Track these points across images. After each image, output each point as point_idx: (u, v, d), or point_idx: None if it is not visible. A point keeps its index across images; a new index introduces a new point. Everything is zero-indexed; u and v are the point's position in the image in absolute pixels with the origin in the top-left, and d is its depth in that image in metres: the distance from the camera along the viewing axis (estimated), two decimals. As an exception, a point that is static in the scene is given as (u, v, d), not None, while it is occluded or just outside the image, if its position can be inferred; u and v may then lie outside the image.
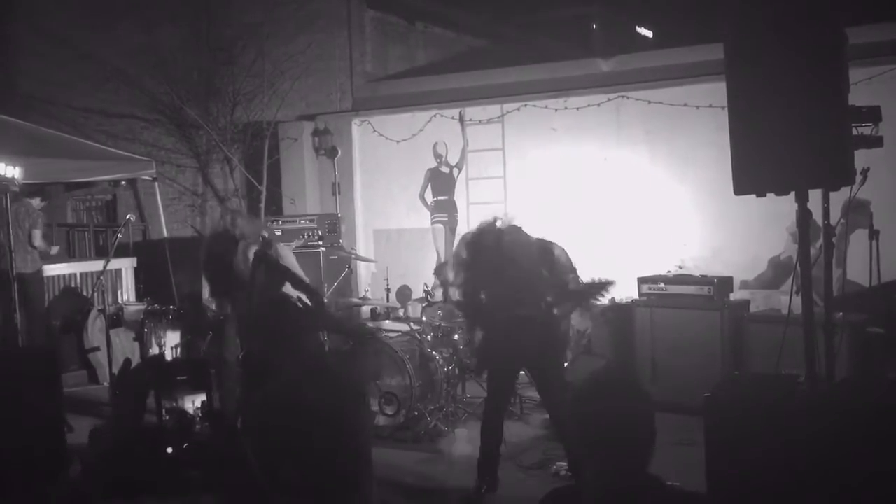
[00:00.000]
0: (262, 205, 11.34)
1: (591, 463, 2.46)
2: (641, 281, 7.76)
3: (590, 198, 9.53)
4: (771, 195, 4.08)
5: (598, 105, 9.62)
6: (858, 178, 4.28)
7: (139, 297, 10.01)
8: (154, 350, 7.98)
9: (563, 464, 5.64)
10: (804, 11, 3.94)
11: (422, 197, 10.67)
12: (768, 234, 8.20)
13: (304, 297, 5.37)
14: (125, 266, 10.16)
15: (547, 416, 6.16)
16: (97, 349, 8.86)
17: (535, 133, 10.06)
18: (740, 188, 4.08)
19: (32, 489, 5.58)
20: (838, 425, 3.70)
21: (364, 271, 11.09)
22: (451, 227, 10.42)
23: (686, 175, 9.14)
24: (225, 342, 6.09)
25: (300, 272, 5.76)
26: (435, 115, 10.66)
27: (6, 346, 7.87)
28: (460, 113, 10.48)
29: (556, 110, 9.88)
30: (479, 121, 10.44)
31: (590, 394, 2.48)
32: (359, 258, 9.58)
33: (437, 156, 10.52)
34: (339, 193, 10.91)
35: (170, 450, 5.89)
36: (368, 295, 9.34)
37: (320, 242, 8.51)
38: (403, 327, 7.76)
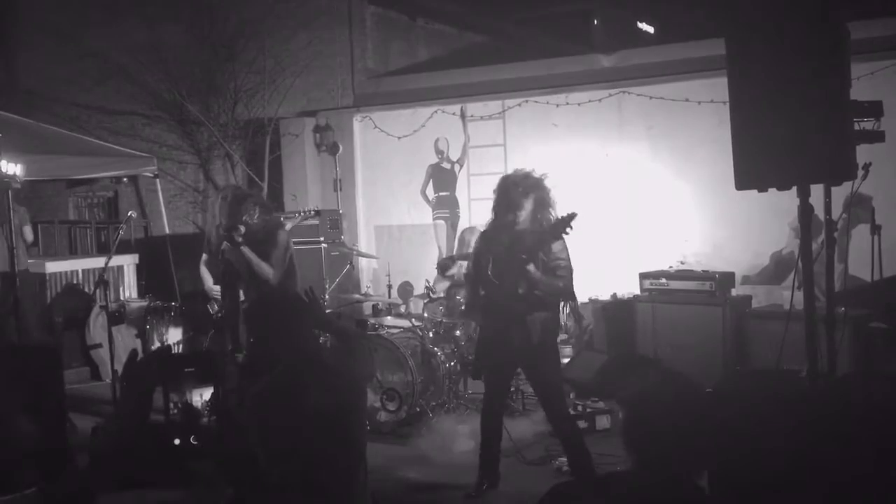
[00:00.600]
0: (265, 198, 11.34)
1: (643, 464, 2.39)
2: (643, 276, 7.76)
3: (591, 194, 9.52)
4: (772, 190, 4.08)
5: (600, 101, 9.62)
6: (860, 173, 4.28)
7: (141, 294, 10.02)
8: (156, 346, 8.00)
9: (565, 459, 5.64)
10: (806, 6, 3.93)
11: (423, 193, 10.67)
12: (770, 230, 8.20)
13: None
14: (127, 263, 10.17)
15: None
16: (99, 346, 8.87)
17: (537, 129, 10.05)
18: (742, 183, 4.08)
19: (35, 485, 5.59)
20: (841, 421, 3.70)
21: (365, 267, 11.09)
22: (452, 224, 10.43)
23: (687, 170, 9.13)
24: (226, 335, 6.08)
25: (275, 260, 5.75)
26: (436, 112, 10.65)
27: (9, 343, 7.89)
28: (461, 109, 10.48)
29: (557, 106, 9.88)
30: (481, 117, 10.44)
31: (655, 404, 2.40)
32: (360, 254, 9.58)
33: (439, 152, 10.52)
34: (341, 190, 10.91)
35: (177, 441, 5.91)
36: (370, 291, 9.33)
37: (322, 238, 8.53)
38: (405, 323, 7.76)
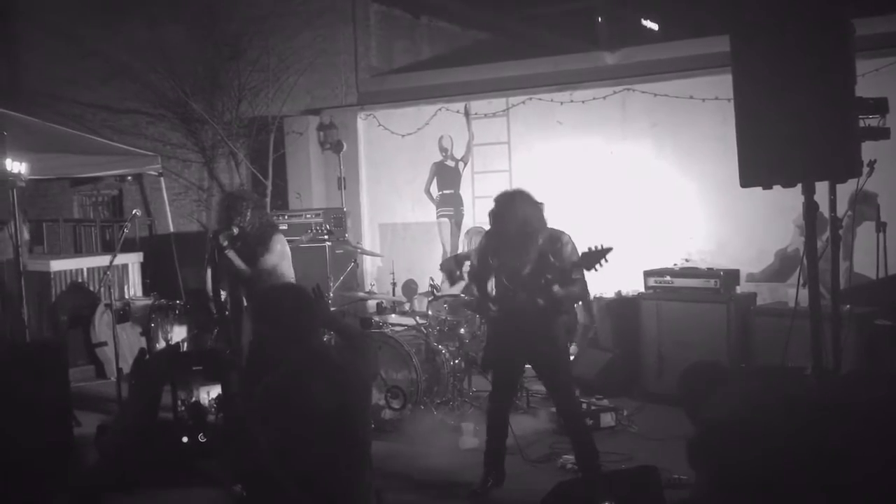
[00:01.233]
0: (268, 199, 11.35)
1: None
2: (647, 274, 7.75)
3: (595, 191, 9.52)
4: (777, 188, 4.07)
5: (604, 98, 9.61)
6: (865, 170, 4.27)
7: (146, 292, 10.03)
8: (161, 344, 8.01)
9: (570, 457, 5.64)
10: (811, 2, 3.92)
11: (427, 191, 10.67)
12: (774, 227, 8.18)
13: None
14: (132, 261, 10.18)
15: (553, 409, 6.16)
16: (104, 344, 8.88)
17: (541, 126, 10.04)
18: (746, 181, 4.08)
19: (41, 482, 5.60)
20: (845, 419, 3.69)
21: (370, 265, 11.09)
22: (456, 221, 10.43)
23: (692, 168, 9.12)
24: (231, 333, 6.09)
25: (268, 262, 5.74)
26: (440, 109, 10.65)
27: (15, 340, 7.91)
28: (465, 107, 10.47)
29: (561, 103, 9.87)
30: (485, 114, 10.43)
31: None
32: (364, 252, 9.59)
33: (443, 150, 10.52)
34: (345, 188, 10.91)
35: (185, 440, 5.92)
36: (374, 289, 9.33)
37: (326, 237, 8.52)
38: (409, 321, 7.76)
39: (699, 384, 5.33)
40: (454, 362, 7.10)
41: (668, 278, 7.60)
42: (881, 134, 4.07)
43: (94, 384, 8.73)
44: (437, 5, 13.19)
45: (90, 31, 13.01)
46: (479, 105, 10.46)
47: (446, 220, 10.50)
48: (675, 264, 7.98)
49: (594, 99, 9.64)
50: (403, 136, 10.91)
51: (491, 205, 5.32)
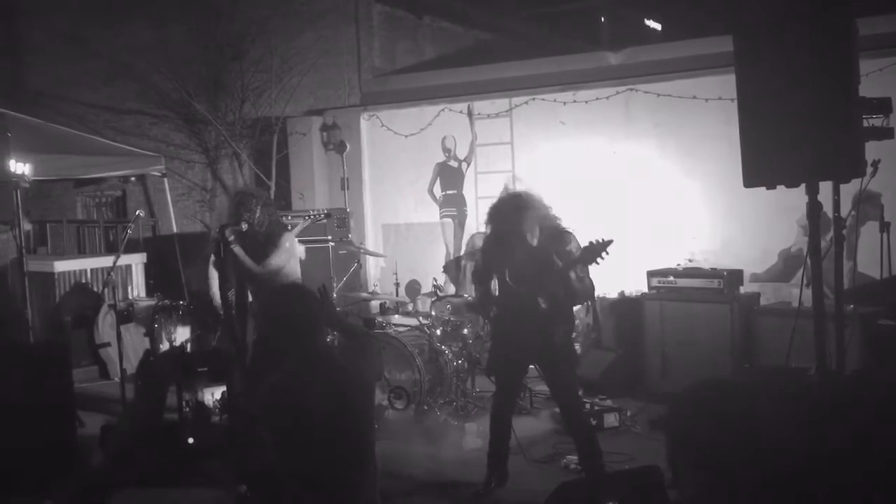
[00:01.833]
0: (272, 199, 11.36)
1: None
2: (651, 274, 7.74)
3: (598, 191, 9.51)
4: (781, 187, 4.07)
5: (607, 98, 9.60)
6: (869, 170, 4.26)
7: (149, 293, 10.04)
8: (165, 345, 8.01)
9: (573, 458, 5.64)
10: (814, 2, 3.92)
11: (430, 191, 10.67)
12: (778, 227, 8.17)
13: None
14: (135, 262, 10.19)
15: (557, 409, 6.16)
16: (108, 345, 8.89)
17: (544, 127, 10.03)
18: (750, 181, 4.07)
19: (44, 482, 5.61)
20: (849, 418, 3.69)
21: (373, 266, 11.10)
22: (459, 222, 10.43)
23: (695, 168, 9.11)
24: (236, 332, 6.08)
25: (276, 261, 5.73)
26: (443, 110, 10.64)
27: (19, 341, 7.92)
28: (468, 107, 10.47)
29: (564, 104, 9.86)
30: (488, 115, 10.43)
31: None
32: (368, 253, 9.59)
33: (446, 150, 10.52)
34: (348, 188, 10.92)
35: (191, 440, 5.93)
36: (377, 289, 9.33)
37: (329, 237, 8.53)
38: (413, 322, 7.77)
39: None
40: (457, 363, 7.10)
41: (671, 278, 7.59)
42: (885, 134, 4.07)
43: (98, 385, 8.73)
44: (440, 5, 13.19)
45: (93, 32, 13.03)
46: (482, 105, 10.46)
47: (449, 220, 10.50)
48: (678, 264, 7.97)
49: (597, 99, 9.63)
50: (406, 136, 10.91)
51: (488, 212, 5.32)
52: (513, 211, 5.17)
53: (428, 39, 13.38)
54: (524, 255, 5.15)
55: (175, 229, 10.98)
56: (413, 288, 10.10)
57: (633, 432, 6.58)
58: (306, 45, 11.77)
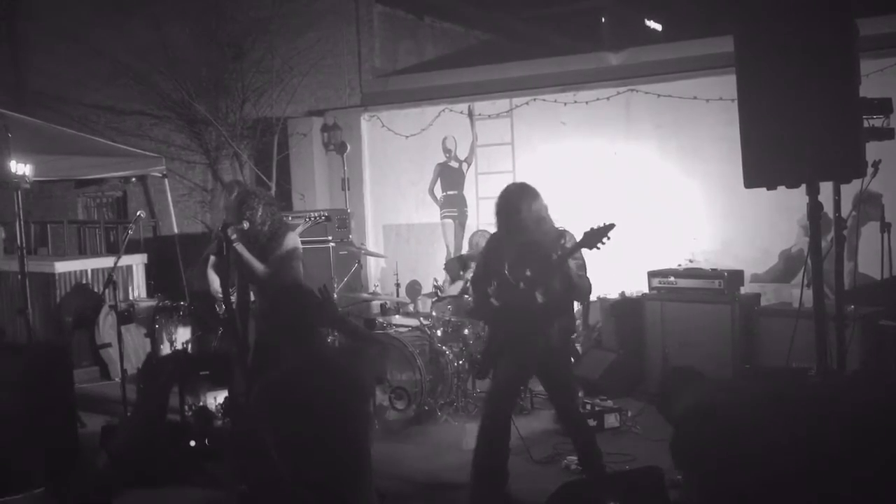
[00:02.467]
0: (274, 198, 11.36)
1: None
2: (652, 275, 7.74)
3: (599, 192, 9.51)
4: (781, 188, 4.07)
5: (608, 99, 9.60)
6: (870, 170, 4.26)
7: (150, 294, 10.04)
8: (165, 346, 8.01)
9: (574, 458, 5.63)
10: (815, 3, 3.92)
11: (431, 192, 10.68)
12: (779, 227, 8.17)
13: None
14: (136, 262, 10.20)
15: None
16: (109, 345, 8.89)
17: (545, 127, 10.04)
18: (751, 181, 4.07)
19: (46, 483, 5.62)
20: (849, 419, 3.69)
21: (374, 266, 11.10)
22: (460, 222, 10.43)
23: (696, 168, 9.11)
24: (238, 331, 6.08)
25: (272, 262, 5.71)
26: (444, 110, 10.65)
27: (20, 342, 7.93)
28: (469, 107, 10.47)
29: (565, 104, 9.86)
30: (489, 115, 10.43)
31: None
32: (368, 253, 9.59)
33: (447, 150, 10.52)
34: (349, 189, 10.93)
35: (193, 443, 5.93)
36: (378, 290, 9.34)
37: (330, 237, 8.52)
38: (413, 322, 7.77)
39: (675, 384, 5.29)
40: (458, 363, 7.10)
41: (672, 279, 7.59)
42: (885, 134, 4.07)
43: (99, 385, 8.74)
44: (440, 6, 13.20)
45: (95, 33, 13.03)
46: (482, 106, 10.46)
47: (450, 220, 10.51)
48: (679, 265, 7.97)
49: (598, 100, 9.64)
50: (407, 137, 10.92)
51: (497, 199, 5.30)
52: (517, 194, 5.18)
53: (429, 40, 13.39)
54: (525, 250, 5.15)
55: (176, 230, 10.98)
56: (414, 288, 10.11)
57: (634, 433, 6.58)
58: (307, 45, 11.78)
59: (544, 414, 6.98)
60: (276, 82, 11.81)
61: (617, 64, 10.07)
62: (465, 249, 8.95)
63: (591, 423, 6.30)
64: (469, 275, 7.51)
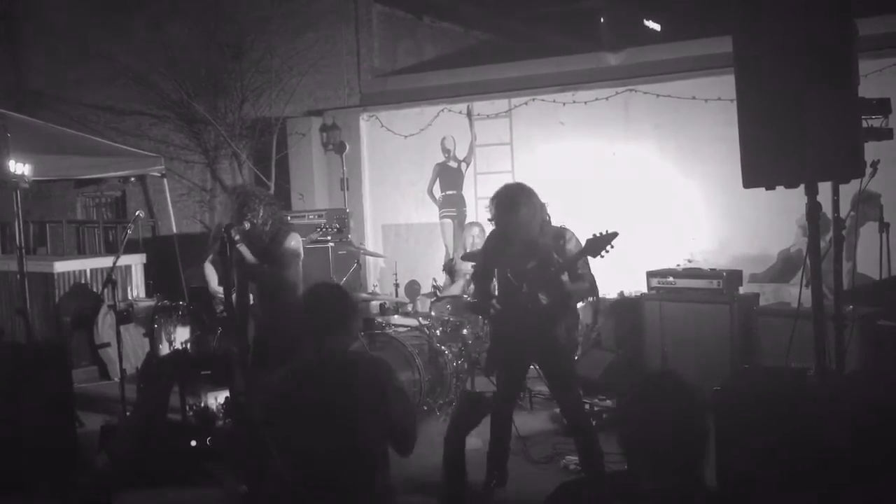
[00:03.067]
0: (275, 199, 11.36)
1: (642, 464, 2.39)
2: (650, 275, 7.74)
3: (598, 192, 9.52)
4: (780, 188, 4.07)
5: (607, 99, 9.61)
6: (868, 170, 4.26)
7: (149, 294, 10.04)
8: (164, 345, 8.01)
9: (573, 458, 5.64)
10: (813, 3, 3.92)
11: (430, 192, 10.67)
12: (777, 227, 8.18)
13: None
14: (135, 262, 10.19)
15: (557, 410, 6.16)
16: (107, 345, 8.88)
17: (543, 127, 10.04)
18: (749, 181, 4.07)
19: (44, 483, 5.62)
20: (848, 419, 3.70)
21: (373, 266, 11.10)
22: (459, 222, 10.43)
23: (695, 168, 9.12)
24: (235, 334, 6.08)
25: (280, 261, 5.70)
26: (443, 110, 10.65)
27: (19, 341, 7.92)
28: (468, 107, 10.48)
29: (563, 104, 9.87)
30: (487, 115, 10.44)
31: (641, 396, 2.41)
32: (367, 253, 9.59)
33: (445, 150, 10.53)
34: (348, 189, 10.93)
35: (193, 443, 5.93)
36: (377, 290, 9.33)
37: (329, 238, 8.51)
38: (412, 322, 7.77)
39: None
40: (457, 363, 7.10)
41: (670, 279, 7.59)
42: (884, 134, 4.06)
43: (98, 385, 8.73)
44: (439, 6, 13.20)
45: (94, 33, 13.03)
46: (481, 106, 10.47)
47: (449, 220, 10.51)
48: (677, 265, 7.97)
49: (597, 100, 9.65)
50: (406, 137, 10.92)
51: (495, 199, 5.31)
52: (513, 195, 5.19)
53: (427, 40, 13.40)
54: (525, 250, 5.15)
55: (175, 230, 10.98)
56: (412, 288, 10.11)
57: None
58: (306, 45, 11.78)
59: (544, 414, 6.98)
60: (275, 82, 11.81)
61: (616, 64, 10.08)
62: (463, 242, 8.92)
63: (592, 422, 6.30)
64: (467, 269, 7.52)
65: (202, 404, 6.64)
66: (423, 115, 10.79)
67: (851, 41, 3.85)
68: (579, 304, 5.80)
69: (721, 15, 6.65)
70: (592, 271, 5.33)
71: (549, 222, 5.28)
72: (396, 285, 8.94)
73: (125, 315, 8.75)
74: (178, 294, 9.28)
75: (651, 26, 14.50)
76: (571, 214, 8.32)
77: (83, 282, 9.74)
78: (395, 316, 8.16)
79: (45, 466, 5.79)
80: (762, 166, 4.00)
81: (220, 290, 6.37)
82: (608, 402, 6.90)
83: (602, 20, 13.14)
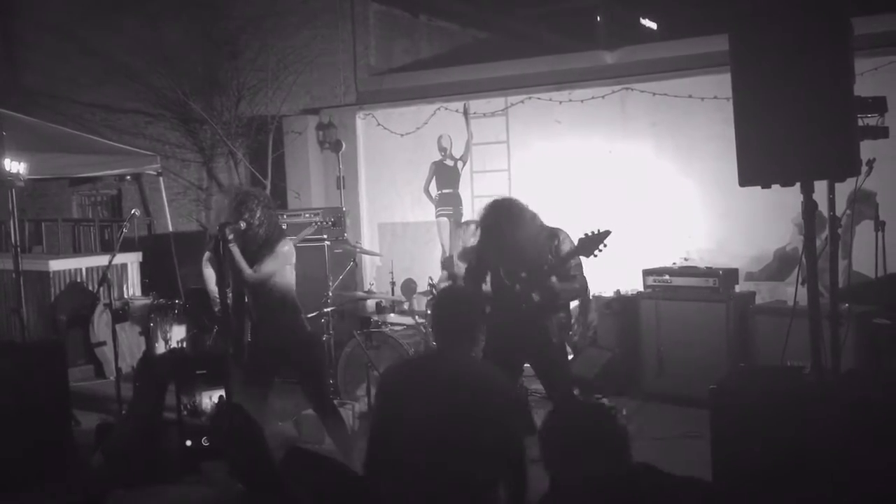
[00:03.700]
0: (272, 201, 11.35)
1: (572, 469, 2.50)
2: (647, 273, 7.75)
3: (594, 190, 9.52)
4: (776, 186, 4.07)
5: (603, 97, 9.60)
6: (864, 169, 4.27)
7: (145, 292, 10.03)
8: (160, 344, 8.00)
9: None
10: (809, 1, 3.92)
11: (426, 190, 10.66)
12: (773, 226, 8.18)
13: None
14: (130, 261, 10.18)
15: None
16: (103, 344, 8.88)
17: (540, 125, 10.04)
18: (745, 180, 4.07)
19: (40, 482, 5.61)
20: (844, 417, 3.70)
21: (369, 265, 11.09)
22: (455, 221, 10.42)
23: (691, 167, 9.12)
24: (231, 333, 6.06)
25: (269, 266, 5.68)
26: (439, 109, 10.65)
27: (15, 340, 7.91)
28: (464, 106, 10.47)
29: (560, 103, 9.86)
30: (484, 114, 10.43)
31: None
32: (363, 252, 9.58)
33: (442, 149, 10.52)
34: (344, 187, 10.92)
35: (189, 442, 5.93)
36: (373, 288, 9.32)
37: (325, 236, 8.48)
38: (408, 321, 7.76)
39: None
40: (453, 361, 7.09)
41: (667, 277, 7.60)
42: (880, 133, 4.07)
43: (94, 384, 8.73)
44: (435, 4, 13.19)
45: (89, 31, 13.01)
46: (477, 104, 10.46)
47: (445, 219, 10.50)
48: (674, 263, 7.98)
49: (593, 98, 9.64)
50: (402, 135, 10.91)
51: (482, 219, 5.29)
52: (504, 217, 5.17)
53: (424, 38, 13.39)
54: (518, 251, 5.15)
55: (171, 228, 10.95)
56: (409, 287, 10.09)
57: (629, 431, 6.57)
58: (302, 43, 11.77)
59: (541, 413, 6.97)
60: (271, 80, 11.80)
61: (612, 62, 10.07)
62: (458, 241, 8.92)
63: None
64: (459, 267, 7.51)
65: (197, 403, 6.63)
66: (419, 114, 10.79)
67: (847, 39, 3.85)
68: (572, 304, 5.78)
69: (717, 13, 6.65)
70: (587, 272, 5.33)
71: (542, 225, 5.27)
72: (393, 284, 8.93)
73: (121, 314, 8.74)
74: (174, 293, 9.28)
75: (647, 25, 14.51)
76: (568, 213, 8.34)
77: (79, 280, 9.73)
78: (392, 314, 8.15)
79: (41, 465, 5.78)
80: (758, 165, 4.01)
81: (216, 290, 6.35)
82: (605, 401, 6.90)
83: (598, 18, 13.15)
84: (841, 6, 3.86)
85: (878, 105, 4.04)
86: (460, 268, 7.85)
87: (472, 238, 7.79)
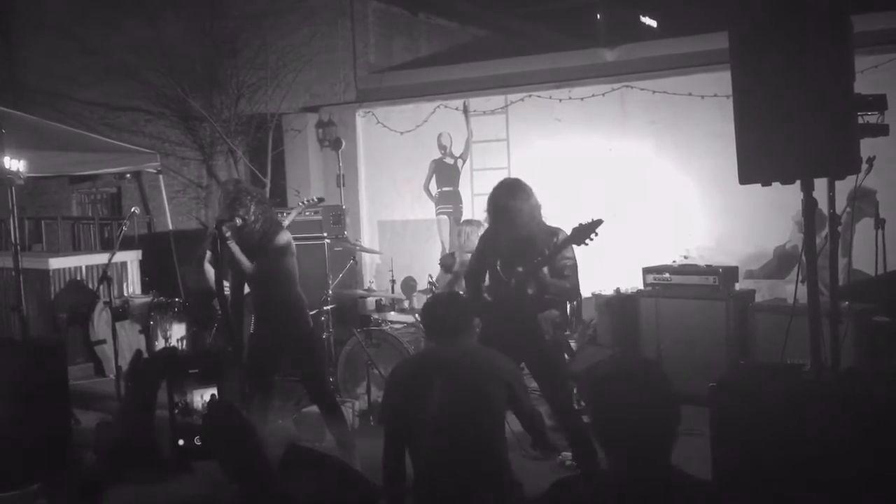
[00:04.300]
0: (267, 196, 11.34)
1: (610, 451, 2.45)
2: (646, 271, 7.75)
3: (594, 188, 9.52)
4: (776, 184, 4.07)
5: (603, 95, 9.60)
6: (864, 166, 4.26)
7: (144, 290, 10.03)
8: (160, 342, 8.00)
9: (569, 454, 5.63)
10: (809, -1, 3.92)
11: (426, 188, 10.66)
12: (773, 224, 8.18)
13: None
14: (130, 259, 10.17)
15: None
16: (103, 342, 8.87)
17: (540, 123, 10.04)
18: (745, 177, 4.07)
19: (39, 480, 5.60)
20: (843, 415, 3.70)
21: (368, 263, 11.09)
22: (455, 219, 10.43)
23: (691, 165, 9.12)
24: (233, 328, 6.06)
25: (270, 261, 5.68)
26: (439, 106, 10.64)
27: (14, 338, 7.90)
28: (464, 104, 10.47)
29: (560, 100, 9.86)
30: (483, 111, 10.42)
31: (611, 383, 2.46)
32: (363, 250, 9.57)
33: (442, 147, 10.51)
34: (344, 185, 10.91)
35: (181, 442, 5.92)
36: (373, 286, 9.33)
37: (325, 234, 8.49)
38: (408, 318, 7.76)
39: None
40: (453, 359, 7.09)
41: (666, 275, 7.59)
42: (880, 130, 4.06)
43: (94, 382, 8.73)
44: (435, 2, 13.19)
45: (89, 29, 13.00)
46: (477, 102, 10.46)
47: (445, 217, 10.50)
48: (673, 261, 7.98)
49: (593, 96, 9.64)
50: (402, 133, 10.91)
51: (490, 195, 5.31)
52: (510, 190, 5.21)
53: (423, 36, 13.38)
54: (517, 245, 5.14)
55: (170, 226, 10.95)
56: (409, 285, 10.09)
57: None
58: (302, 41, 11.77)
59: (540, 409, 6.96)
60: (271, 78, 11.80)
61: (612, 60, 10.07)
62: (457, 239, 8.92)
63: (586, 419, 6.29)
64: (457, 268, 7.51)
65: (190, 402, 6.62)
66: (419, 112, 10.78)
67: (847, 37, 3.84)
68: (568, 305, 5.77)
69: (717, 11, 6.65)
70: (585, 271, 5.32)
71: (544, 222, 5.27)
72: (392, 282, 8.92)
73: (121, 312, 8.74)
74: (173, 291, 9.28)
75: (647, 22, 14.51)
76: (568, 210, 8.32)
77: (79, 278, 9.73)
78: (392, 312, 8.15)
79: (40, 464, 5.77)
80: (758, 162, 4.00)
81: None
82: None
83: (598, 16, 13.16)
84: (841, 3, 3.86)
85: (879, 102, 4.04)
86: (462, 265, 7.85)
87: (471, 236, 7.79)
